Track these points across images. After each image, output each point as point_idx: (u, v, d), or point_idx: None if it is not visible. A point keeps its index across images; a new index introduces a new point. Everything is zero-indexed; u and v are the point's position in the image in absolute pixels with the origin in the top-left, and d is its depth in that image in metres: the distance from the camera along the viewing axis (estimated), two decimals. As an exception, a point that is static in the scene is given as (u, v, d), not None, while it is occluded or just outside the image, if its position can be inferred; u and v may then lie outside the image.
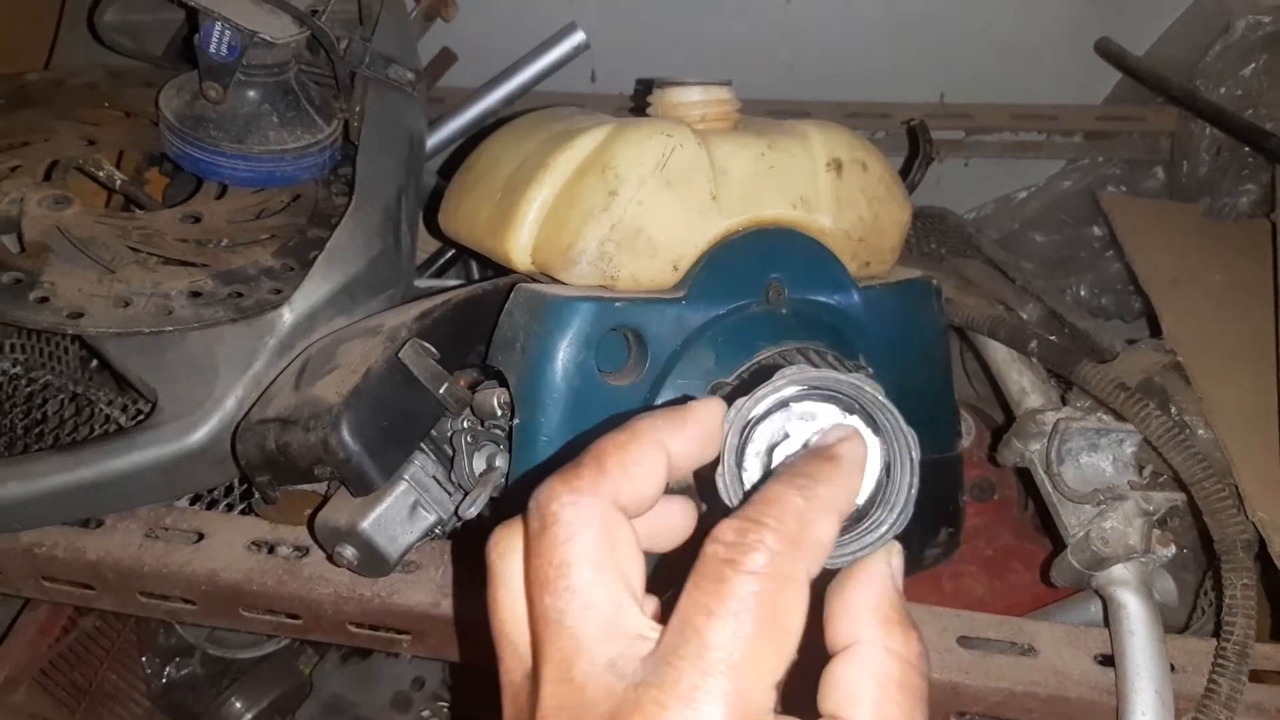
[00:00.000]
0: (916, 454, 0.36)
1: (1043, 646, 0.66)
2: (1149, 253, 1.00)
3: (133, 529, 0.72)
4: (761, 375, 0.37)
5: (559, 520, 0.32)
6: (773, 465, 0.36)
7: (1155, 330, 0.91)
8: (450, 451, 0.65)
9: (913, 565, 0.75)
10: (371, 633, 0.70)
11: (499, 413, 0.61)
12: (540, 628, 0.31)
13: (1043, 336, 0.79)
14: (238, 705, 0.93)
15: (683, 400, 0.36)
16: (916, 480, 0.36)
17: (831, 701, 0.31)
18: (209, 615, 0.72)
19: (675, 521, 0.38)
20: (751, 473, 0.37)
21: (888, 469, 0.37)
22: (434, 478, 0.63)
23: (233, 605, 0.71)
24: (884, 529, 0.36)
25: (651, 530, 0.36)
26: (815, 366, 0.38)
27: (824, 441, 0.35)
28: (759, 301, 0.64)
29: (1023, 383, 0.80)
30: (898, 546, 0.35)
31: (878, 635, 0.31)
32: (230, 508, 0.77)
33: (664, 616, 0.31)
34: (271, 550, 0.71)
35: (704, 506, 0.49)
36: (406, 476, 0.62)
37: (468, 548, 0.69)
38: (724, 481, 0.36)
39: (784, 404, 0.36)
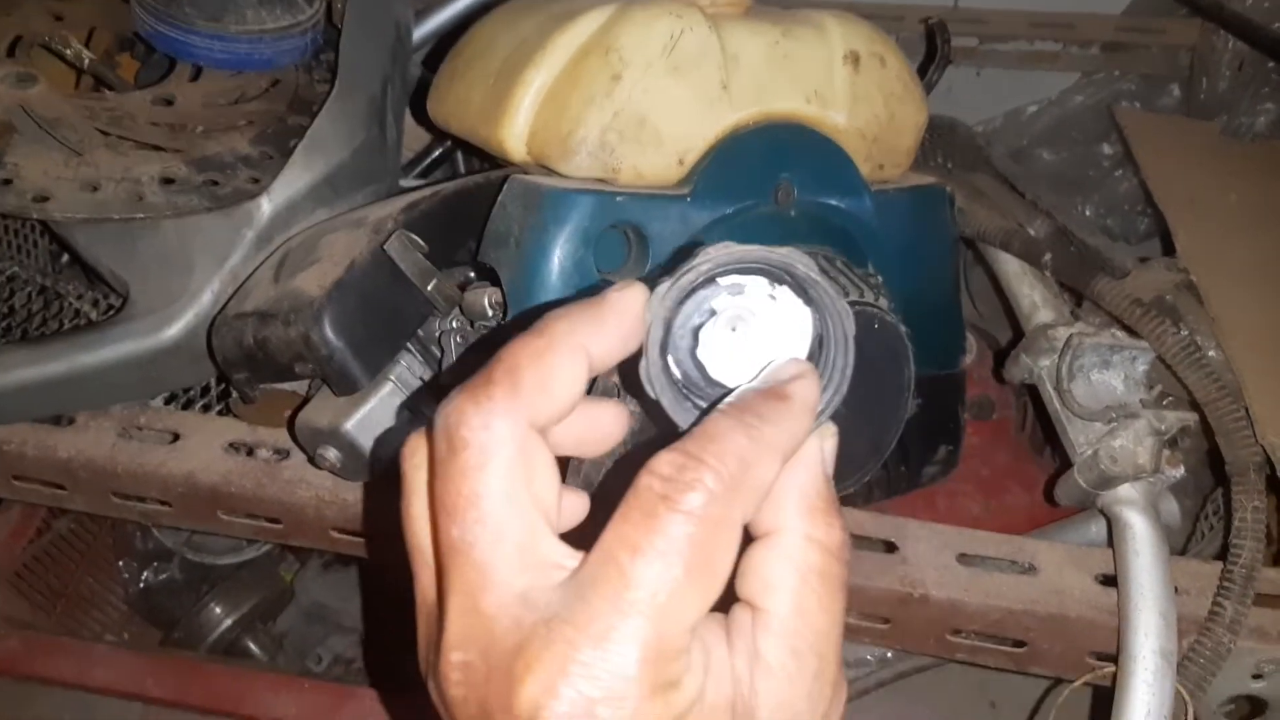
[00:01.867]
0: (852, 330, 0.34)
1: (1043, 565, 0.64)
2: (1164, 170, 0.97)
3: (105, 427, 0.69)
4: (684, 255, 0.34)
5: (469, 446, 0.29)
6: (699, 349, 0.33)
7: (1165, 251, 0.88)
8: (438, 353, 0.62)
9: (912, 482, 0.74)
10: (354, 539, 0.68)
11: (490, 312, 0.58)
12: (447, 558, 0.29)
13: (1057, 250, 0.76)
14: (217, 611, 0.92)
15: (600, 289, 0.33)
16: (853, 359, 0.34)
17: (748, 588, 0.30)
18: (185, 518, 0.70)
19: (603, 427, 0.35)
20: (681, 355, 0.34)
21: (820, 341, 0.34)
22: (421, 379, 0.61)
23: (210, 508, 0.68)
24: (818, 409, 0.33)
25: (576, 436, 0.33)
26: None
27: (777, 377, 0.32)
28: (766, 202, 0.61)
29: (1034, 297, 0.77)
30: (832, 428, 0.33)
31: (800, 524, 0.30)
32: (207, 408, 0.75)
33: (588, 541, 0.29)
34: (250, 452, 0.69)
35: (633, 405, 0.46)
36: (392, 377, 0.60)
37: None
38: (648, 375, 0.33)
39: (710, 280, 0.33)
